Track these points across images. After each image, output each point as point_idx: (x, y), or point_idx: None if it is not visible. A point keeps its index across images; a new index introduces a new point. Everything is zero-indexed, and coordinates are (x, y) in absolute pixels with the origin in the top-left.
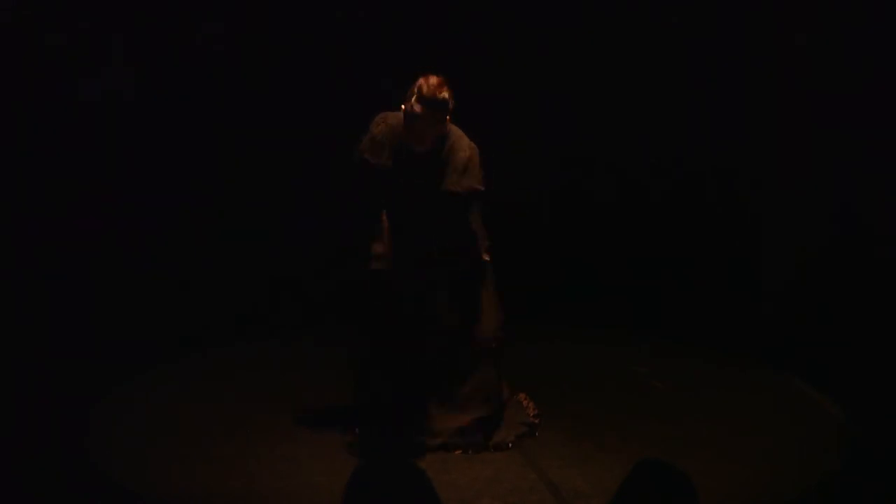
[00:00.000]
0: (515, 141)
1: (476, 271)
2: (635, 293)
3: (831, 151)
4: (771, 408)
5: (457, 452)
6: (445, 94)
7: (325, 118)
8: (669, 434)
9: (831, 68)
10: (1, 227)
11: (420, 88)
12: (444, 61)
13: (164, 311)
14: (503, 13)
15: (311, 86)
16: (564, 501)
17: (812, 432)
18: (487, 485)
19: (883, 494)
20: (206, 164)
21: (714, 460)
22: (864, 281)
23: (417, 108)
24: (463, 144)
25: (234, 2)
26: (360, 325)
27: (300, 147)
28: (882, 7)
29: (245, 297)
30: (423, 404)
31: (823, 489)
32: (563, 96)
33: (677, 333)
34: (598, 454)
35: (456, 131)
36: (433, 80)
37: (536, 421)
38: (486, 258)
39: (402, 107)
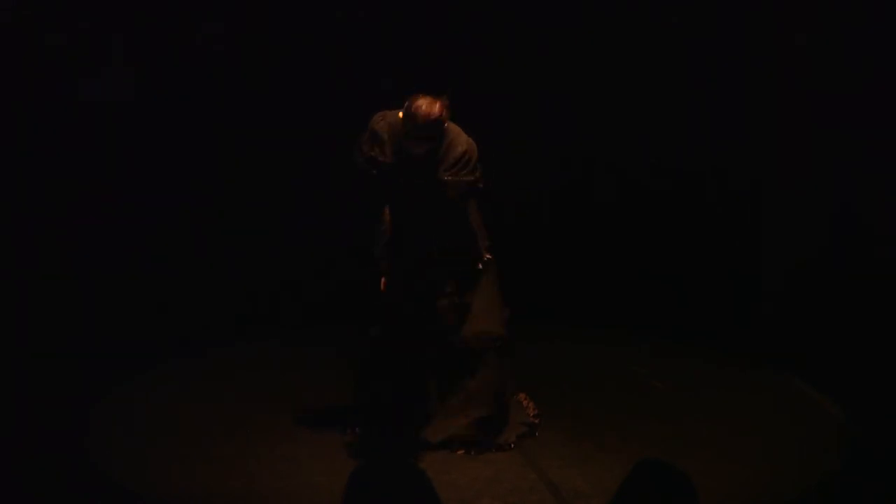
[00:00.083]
0: (515, 141)
1: (477, 270)
2: (635, 293)
3: (831, 151)
4: (771, 408)
5: (459, 452)
6: (437, 116)
7: (325, 118)
8: (669, 434)
9: (831, 68)
10: (1, 227)
11: (412, 117)
12: (444, 61)
13: (164, 311)
14: (503, 13)
15: (311, 86)
16: (564, 501)
17: (812, 432)
18: (487, 485)
19: (883, 494)
20: (206, 164)
21: (714, 460)
22: (863, 281)
23: (411, 134)
24: (461, 140)
25: (234, 2)
26: (360, 325)
27: (300, 147)
28: (882, 7)
29: (245, 297)
30: (424, 404)
31: (823, 489)
32: (563, 96)
33: (677, 333)
34: (598, 454)
35: (454, 129)
36: (423, 107)
37: (536, 421)
38: (488, 257)
39: (400, 115)
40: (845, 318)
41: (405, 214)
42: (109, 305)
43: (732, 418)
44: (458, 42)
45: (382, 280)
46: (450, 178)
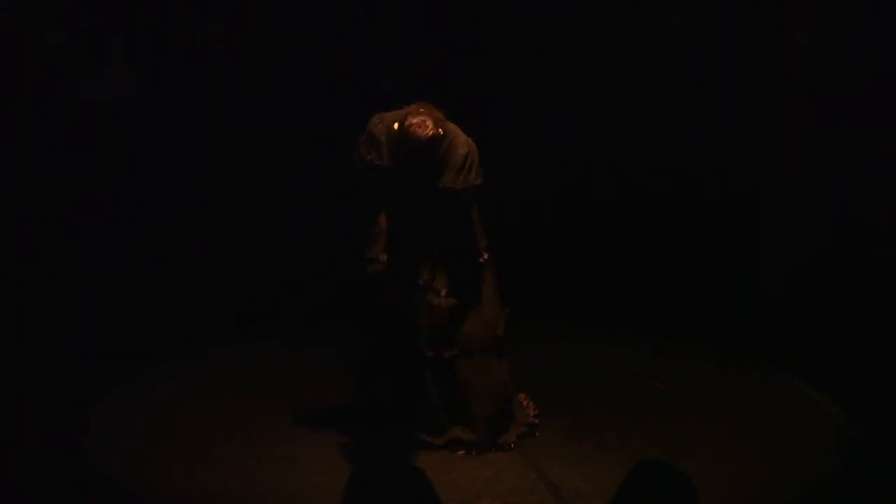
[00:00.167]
0: (515, 141)
1: (476, 270)
2: (635, 293)
3: (831, 151)
4: (771, 408)
5: (459, 452)
6: (430, 136)
7: (325, 118)
8: (669, 434)
9: (831, 68)
10: (1, 227)
11: (405, 139)
12: (444, 61)
13: (164, 311)
14: (503, 13)
15: (311, 86)
16: (564, 501)
17: (812, 432)
18: (487, 485)
19: (883, 494)
20: (206, 164)
21: (714, 460)
22: (863, 281)
23: (405, 153)
24: (460, 141)
25: (234, 2)
26: (360, 325)
27: (300, 147)
28: (882, 7)
29: (245, 297)
30: (424, 404)
31: (823, 489)
32: (563, 96)
33: (677, 333)
34: (598, 454)
35: (452, 129)
36: (416, 130)
37: (537, 421)
38: (486, 256)
39: (396, 125)
40: (845, 318)
41: (405, 215)
42: (109, 305)
43: (732, 418)
44: (458, 42)
45: (382, 280)
46: (452, 184)
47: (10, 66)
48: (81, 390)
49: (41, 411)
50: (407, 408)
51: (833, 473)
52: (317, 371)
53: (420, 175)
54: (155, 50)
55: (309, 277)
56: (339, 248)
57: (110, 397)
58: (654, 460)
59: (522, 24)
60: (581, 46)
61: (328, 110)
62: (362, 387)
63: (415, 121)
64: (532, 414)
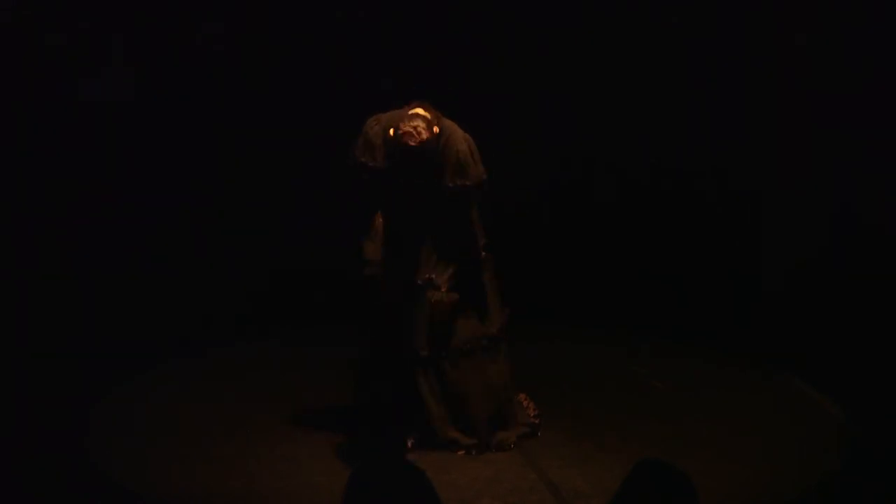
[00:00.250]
0: (515, 141)
1: (475, 269)
2: (635, 293)
3: (831, 151)
4: (771, 408)
5: (459, 452)
6: (424, 141)
7: (325, 118)
8: (669, 434)
9: (831, 68)
10: (1, 227)
11: (399, 144)
12: (444, 61)
13: (164, 311)
14: (503, 13)
15: (311, 86)
16: (564, 501)
17: (812, 432)
18: (487, 485)
19: (883, 494)
20: (206, 164)
21: (714, 460)
22: (863, 281)
23: (400, 156)
24: (458, 137)
25: (234, 2)
26: (359, 325)
27: (300, 147)
28: (882, 7)
29: (245, 297)
30: (423, 403)
31: (823, 489)
32: (563, 96)
33: (677, 333)
34: (598, 454)
35: (449, 125)
36: (411, 135)
37: (537, 421)
38: (484, 255)
39: (392, 132)
40: (845, 318)
41: (403, 215)
42: (109, 305)
43: (732, 418)
44: (458, 42)
45: (382, 281)
46: (456, 183)
47: (10, 66)
48: (81, 390)
49: (41, 411)
50: (407, 408)
51: (833, 473)
52: (317, 371)
53: (419, 175)
54: (155, 50)
55: (309, 277)
56: (339, 248)
57: (110, 397)
58: (654, 460)
59: (522, 24)
60: (581, 46)
61: (328, 110)
62: (362, 387)
63: (406, 129)
64: (532, 414)
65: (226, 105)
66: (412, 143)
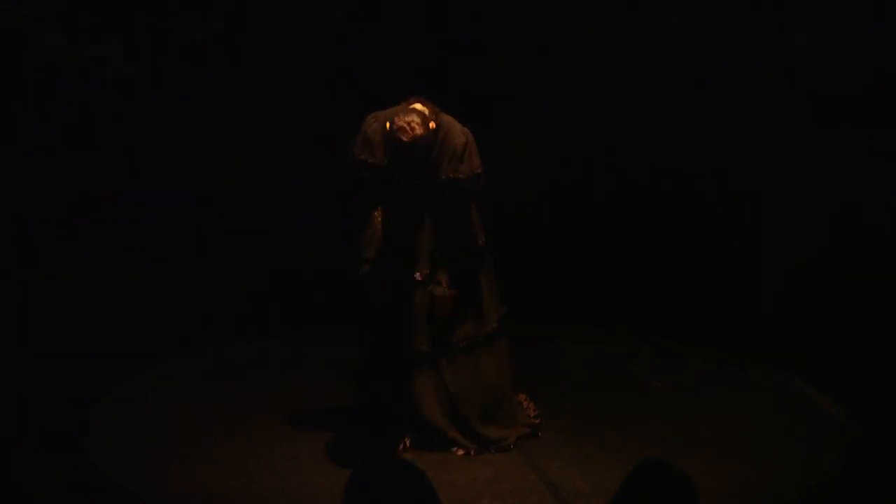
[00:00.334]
0: (515, 141)
1: (474, 267)
2: (635, 293)
3: (831, 151)
4: (771, 408)
5: (459, 453)
6: (417, 135)
7: (325, 118)
8: (669, 434)
9: (831, 68)
10: (1, 227)
11: (393, 139)
12: (445, 61)
13: (164, 311)
14: (503, 13)
15: (311, 86)
16: (564, 501)
17: (812, 432)
18: (487, 485)
19: (883, 494)
20: (206, 164)
21: (714, 460)
22: (863, 281)
23: (396, 151)
24: (455, 131)
25: (234, 2)
26: (358, 325)
27: (300, 147)
28: (882, 7)
29: (245, 297)
30: (421, 403)
31: (823, 489)
32: (563, 96)
33: (677, 333)
34: (598, 454)
35: (447, 120)
36: (404, 129)
37: (537, 421)
38: (483, 254)
39: (388, 125)
40: (845, 318)
41: (403, 213)
42: (109, 305)
43: (732, 418)
44: (458, 42)
45: (382, 281)
46: (453, 174)
47: (10, 66)
48: (81, 390)
49: (41, 411)
50: (406, 407)
51: (833, 473)
52: (317, 371)
53: (417, 172)
54: (155, 50)
55: (309, 277)
56: (339, 248)
57: (110, 397)
58: (654, 460)
59: (522, 24)
60: (581, 46)
61: (328, 110)
62: (362, 387)
63: (400, 124)
64: (532, 414)
65: (226, 105)
66: (405, 139)
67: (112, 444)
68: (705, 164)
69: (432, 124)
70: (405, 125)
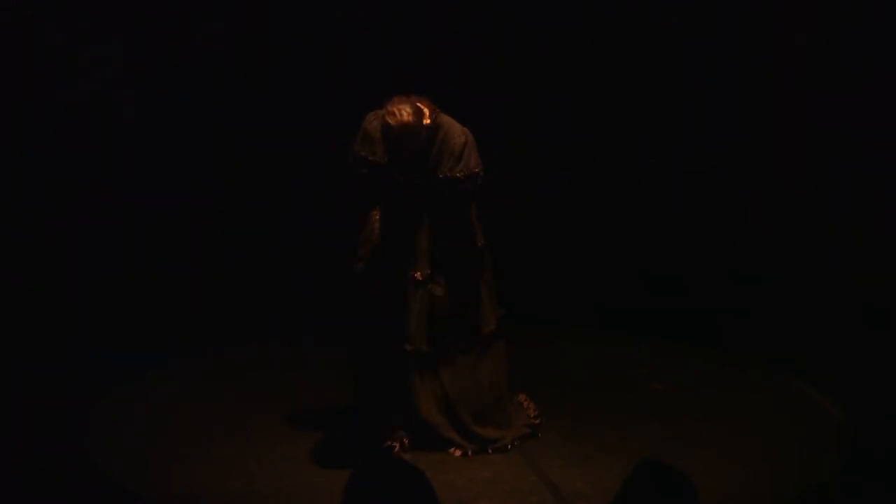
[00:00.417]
0: (515, 141)
1: (473, 266)
2: (635, 293)
3: (831, 152)
4: (771, 408)
5: (456, 453)
6: (408, 121)
7: (325, 118)
8: (669, 434)
9: (831, 68)
10: (1, 227)
11: (386, 127)
12: (445, 61)
13: (164, 311)
14: (503, 13)
15: (311, 86)
16: (564, 502)
17: (812, 432)
18: (486, 486)
19: (883, 494)
20: (206, 164)
21: (714, 460)
22: (863, 281)
23: (391, 141)
24: (455, 131)
25: (234, 2)
26: (357, 326)
27: (300, 147)
28: (882, 7)
29: (245, 297)
30: (419, 403)
31: (823, 489)
32: (563, 96)
33: (677, 333)
34: (598, 454)
35: (447, 120)
36: (395, 115)
37: (537, 422)
38: (481, 253)
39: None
40: (845, 318)
41: (402, 211)
42: (110, 305)
43: (732, 418)
44: (458, 42)
45: (377, 281)
46: (451, 173)
47: (10, 66)
48: (81, 390)
49: (41, 411)
50: (405, 407)
51: (833, 473)
52: (317, 371)
53: (415, 169)
54: (155, 50)
55: (309, 277)
56: (339, 249)
57: (110, 397)
58: (654, 460)
59: (522, 24)
60: (581, 46)
61: (328, 110)
62: (362, 387)
63: (390, 109)
64: (532, 415)
65: (226, 105)
66: (391, 122)
67: (112, 444)
68: (705, 164)
69: (427, 119)
70: (395, 110)
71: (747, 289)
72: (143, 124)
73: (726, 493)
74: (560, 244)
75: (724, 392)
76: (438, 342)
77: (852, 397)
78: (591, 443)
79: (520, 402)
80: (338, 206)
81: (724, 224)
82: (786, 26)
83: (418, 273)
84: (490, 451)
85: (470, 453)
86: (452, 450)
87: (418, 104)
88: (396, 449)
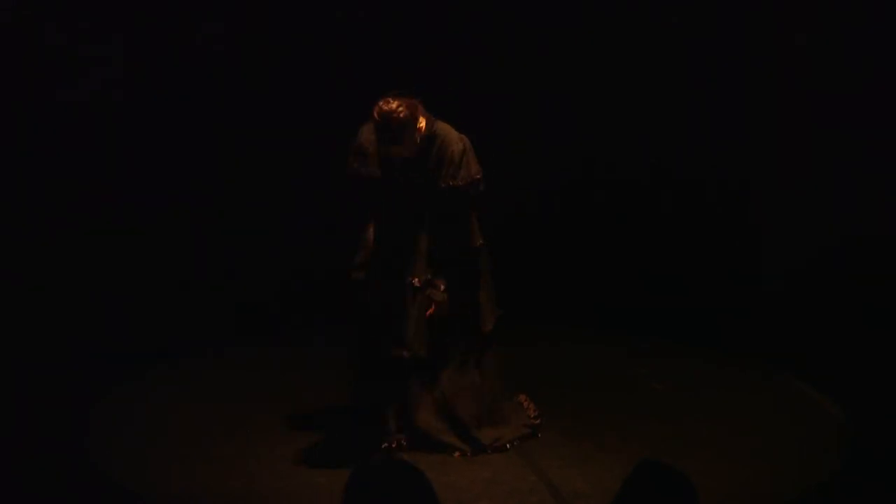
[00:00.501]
0: (515, 141)
1: (471, 268)
2: (635, 293)
3: (831, 152)
4: (771, 408)
5: (456, 455)
6: (393, 110)
7: (325, 118)
8: (669, 434)
9: (831, 68)
10: (1, 227)
11: (373, 119)
12: (445, 61)
13: (164, 311)
14: (503, 13)
15: (311, 86)
16: (564, 502)
17: (812, 432)
18: (486, 486)
19: (883, 494)
20: (206, 164)
21: (714, 460)
22: (863, 281)
23: (380, 137)
24: (452, 138)
25: (234, 2)
26: (354, 328)
27: (300, 147)
28: (882, 7)
29: (245, 297)
30: (417, 410)
31: (823, 489)
32: (563, 96)
33: (677, 333)
34: (598, 454)
35: (443, 127)
36: (382, 106)
37: (537, 422)
38: (479, 255)
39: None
40: (845, 318)
41: (399, 216)
42: (110, 305)
43: (732, 418)
44: (458, 42)
45: (375, 283)
46: (452, 182)
47: (10, 66)
48: (81, 390)
49: (41, 411)
50: (403, 408)
51: (833, 473)
52: (317, 371)
53: (416, 176)
54: (155, 50)
55: (309, 277)
56: (339, 249)
57: (110, 397)
58: (654, 460)
59: (522, 24)
60: (581, 46)
61: (328, 110)
62: (361, 387)
63: (379, 102)
64: (532, 415)
65: (226, 105)
66: (375, 114)
67: (112, 444)
68: (705, 164)
69: (422, 122)
70: (382, 103)
71: (747, 289)
72: (143, 124)
73: (726, 493)
74: (560, 244)
75: (724, 392)
76: (437, 345)
77: (852, 397)
78: (591, 443)
79: (520, 402)
80: (338, 206)
81: (724, 224)
82: (786, 26)
83: (416, 279)
84: (489, 451)
85: (469, 454)
86: (451, 452)
87: (410, 101)
88: (395, 447)
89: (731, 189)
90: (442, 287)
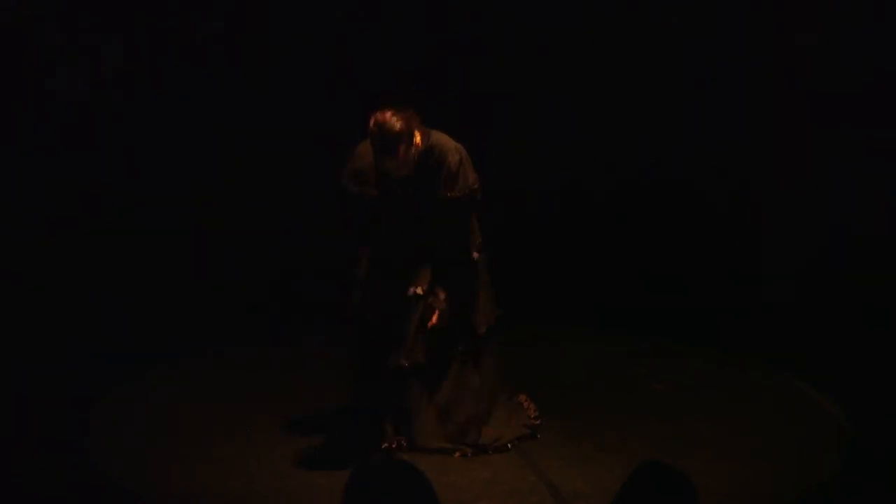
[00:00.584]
0: (515, 141)
1: (470, 271)
2: (635, 293)
3: (831, 152)
4: (771, 408)
5: (456, 455)
6: (387, 121)
7: (325, 118)
8: (669, 434)
9: (831, 68)
10: (1, 227)
11: (368, 131)
12: (445, 61)
13: (164, 311)
14: (503, 13)
15: (311, 86)
16: (564, 502)
17: (812, 432)
18: (486, 486)
19: (883, 494)
20: (206, 164)
21: (714, 460)
22: (863, 281)
23: (376, 149)
24: (449, 148)
25: (234, 2)
26: (356, 327)
27: (300, 147)
28: (882, 7)
29: (244, 298)
30: (417, 418)
31: (823, 489)
32: (563, 96)
33: (677, 333)
34: (598, 454)
35: (438, 137)
36: (376, 117)
37: (537, 422)
38: (476, 256)
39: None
40: (845, 318)
41: (398, 227)
42: (110, 305)
43: (732, 418)
44: (458, 42)
45: (374, 295)
46: (451, 193)
47: (10, 66)
48: (81, 390)
49: (41, 411)
50: (403, 409)
51: (833, 473)
52: (317, 371)
53: (415, 188)
54: (155, 50)
55: (309, 277)
56: (339, 249)
57: (110, 397)
58: (654, 460)
59: (522, 24)
60: (581, 46)
61: (328, 110)
62: (361, 388)
63: (376, 112)
64: (532, 415)
65: (226, 105)
66: (371, 125)
67: (112, 444)
68: (705, 164)
69: (418, 137)
70: (378, 113)
71: (747, 289)
72: (143, 124)
73: (726, 493)
74: (560, 244)
75: (724, 392)
76: (436, 350)
77: (852, 397)
78: (591, 443)
79: (520, 402)
80: (337, 206)
81: (724, 224)
82: (786, 26)
83: (418, 289)
84: (489, 451)
85: (469, 454)
86: (454, 452)
87: (407, 113)
88: (394, 447)
89: (731, 189)
90: (442, 296)
